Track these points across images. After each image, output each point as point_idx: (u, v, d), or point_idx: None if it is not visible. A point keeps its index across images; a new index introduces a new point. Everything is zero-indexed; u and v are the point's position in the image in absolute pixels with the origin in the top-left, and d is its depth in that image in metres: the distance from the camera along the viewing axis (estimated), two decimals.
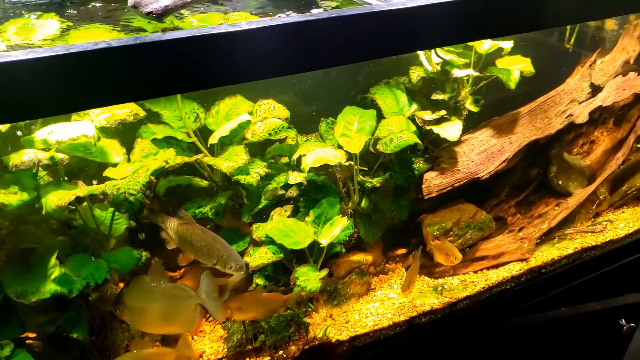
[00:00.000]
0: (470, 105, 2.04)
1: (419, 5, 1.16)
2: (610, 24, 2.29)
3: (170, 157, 1.52)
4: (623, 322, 2.29)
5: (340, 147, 1.83)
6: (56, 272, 1.35)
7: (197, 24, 1.35)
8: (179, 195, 1.74)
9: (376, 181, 1.90)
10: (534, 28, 1.45)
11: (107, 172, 1.47)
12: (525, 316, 2.16)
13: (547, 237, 2.18)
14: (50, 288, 1.31)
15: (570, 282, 2.19)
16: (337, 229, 1.72)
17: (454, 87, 2.03)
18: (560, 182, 2.16)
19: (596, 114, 2.10)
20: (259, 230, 1.73)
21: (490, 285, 2.01)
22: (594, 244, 2.18)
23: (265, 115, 1.82)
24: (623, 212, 2.37)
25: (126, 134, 1.63)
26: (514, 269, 2.07)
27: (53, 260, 1.36)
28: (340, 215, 1.79)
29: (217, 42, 0.96)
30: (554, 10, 1.34)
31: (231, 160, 1.66)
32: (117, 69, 0.89)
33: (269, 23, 1.00)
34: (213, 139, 1.68)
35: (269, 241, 1.71)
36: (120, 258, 1.47)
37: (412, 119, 1.96)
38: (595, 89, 2.12)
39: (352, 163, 1.81)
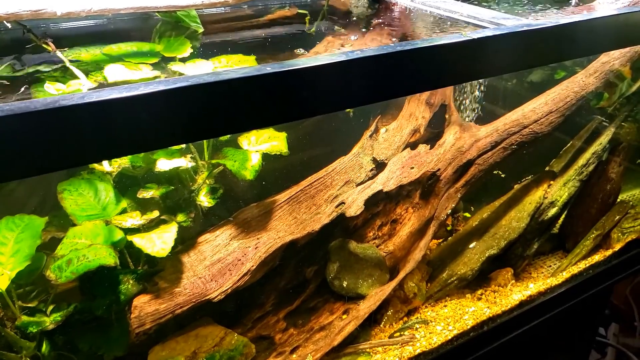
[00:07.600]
0: (205, 197, 1.53)
1: None
2: None
3: None
4: None
5: None
6: None
7: None
8: None
9: (52, 320, 1.35)
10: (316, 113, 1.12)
11: None
12: None
13: (336, 353, 1.69)
14: None
15: None
16: None
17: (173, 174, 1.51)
18: (345, 284, 1.67)
19: (378, 198, 1.61)
20: None
21: None
22: None
23: None
24: (445, 306, 1.89)
25: None
26: None
27: None
28: None
29: None
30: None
31: None
32: None
33: None
34: None
35: None
36: None
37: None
38: (380, 165, 1.63)
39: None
